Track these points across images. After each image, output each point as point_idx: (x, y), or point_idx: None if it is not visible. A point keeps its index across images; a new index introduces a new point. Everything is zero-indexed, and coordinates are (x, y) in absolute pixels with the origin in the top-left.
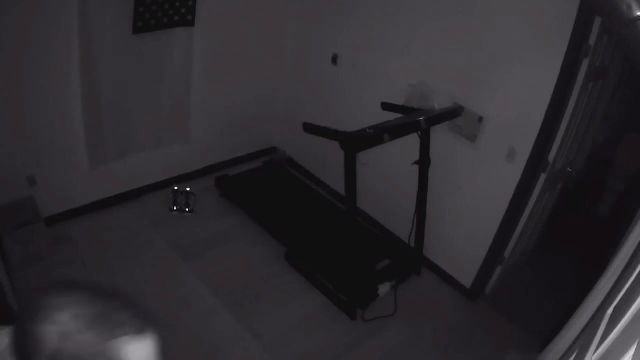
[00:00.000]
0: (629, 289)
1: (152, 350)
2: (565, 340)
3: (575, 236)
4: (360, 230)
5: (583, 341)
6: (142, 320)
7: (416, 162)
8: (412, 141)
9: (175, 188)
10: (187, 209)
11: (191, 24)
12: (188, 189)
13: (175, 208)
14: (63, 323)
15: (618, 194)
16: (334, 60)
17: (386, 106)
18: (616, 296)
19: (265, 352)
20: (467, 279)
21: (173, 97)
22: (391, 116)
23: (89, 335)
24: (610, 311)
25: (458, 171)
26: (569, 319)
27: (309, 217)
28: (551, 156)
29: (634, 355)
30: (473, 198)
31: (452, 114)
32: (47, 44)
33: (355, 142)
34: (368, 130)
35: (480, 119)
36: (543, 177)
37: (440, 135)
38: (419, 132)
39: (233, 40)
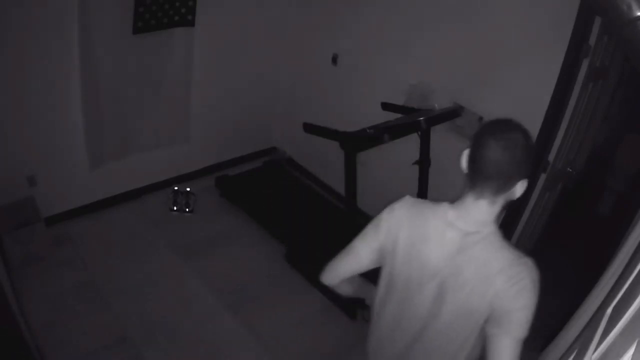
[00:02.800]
0: (628, 288)
1: None
2: (565, 340)
3: (575, 236)
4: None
5: (583, 341)
6: None
7: (416, 162)
8: (412, 141)
9: (175, 188)
10: (187, 209)
11: (191, 24)
12: (188, 189)
13: (175, 208)
14: None
15: (618, 194)
16: (334, 60)
17: (386, 106)
18: (616, 296)
19: (265, 352)
20: None
21: (173, 97)
22: (391, 116)
23: None
24: (609, 311)
25: (458, 171)
26: (569, 319)
27: (309, 217)
28: (551, 156)
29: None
30: None
31: (452, 114)
32: (47, 44)
33: (355, 142)
34: (368, 130)
35: (480, 119)
36: (543, 177)
37: (440, 135)
38: (419, 132)
39: (233, 40)
